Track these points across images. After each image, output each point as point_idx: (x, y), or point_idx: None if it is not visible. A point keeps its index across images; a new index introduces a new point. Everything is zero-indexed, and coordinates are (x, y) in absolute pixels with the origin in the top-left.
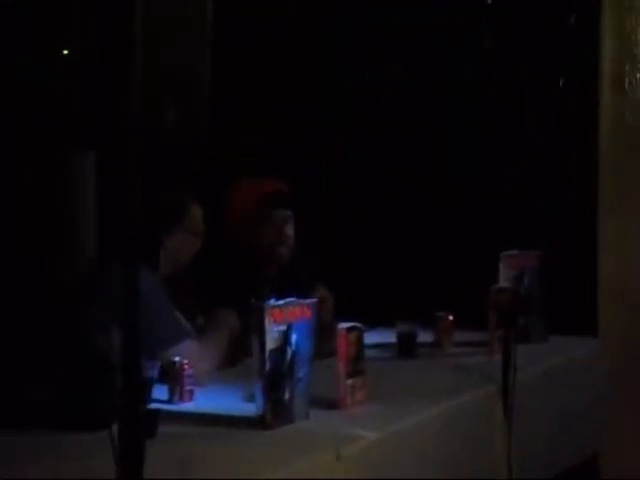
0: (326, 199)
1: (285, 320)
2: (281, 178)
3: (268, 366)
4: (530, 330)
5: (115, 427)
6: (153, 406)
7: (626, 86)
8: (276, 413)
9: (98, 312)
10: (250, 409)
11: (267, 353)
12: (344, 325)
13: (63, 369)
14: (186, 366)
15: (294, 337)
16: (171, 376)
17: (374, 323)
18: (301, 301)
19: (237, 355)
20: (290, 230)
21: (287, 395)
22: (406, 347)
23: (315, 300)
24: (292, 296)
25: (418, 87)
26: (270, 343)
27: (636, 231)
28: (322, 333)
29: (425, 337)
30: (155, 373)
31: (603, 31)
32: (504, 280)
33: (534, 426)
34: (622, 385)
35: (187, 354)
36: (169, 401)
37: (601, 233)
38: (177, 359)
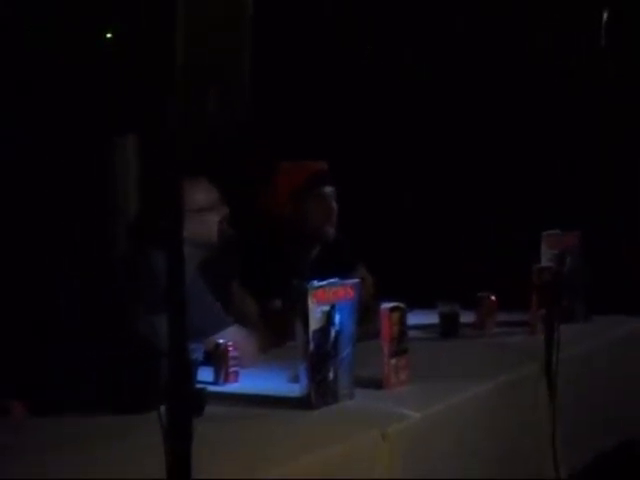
0: (366, 181)
1: (328, 300)
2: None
3: (312, 347)
4: (573, 309)
5: (163, 408)
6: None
7: None
8: (321, 393)
9: (142, 297)
10: (295, 389)
11: (311, 334)
12: (387, 305)
13: (108, 354)
14: (230, 348)
15: (337, 317)
16: (216, 358)
17: (414, 304)
18: (344, 281)
19: (281, 337)
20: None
21: (331, 375)
22: (449, 327)
23: (358, 280)
24: (333, 277)
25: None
26: (314, 324)
27: None
28: (362, 314)
29: (466, 318)
30: (200, 355)
31: None
32: (546, 260)
33: (578, 405)
34: None
35: (232, 340)
36: (214, 382)
37: None
38: (221, 341)
